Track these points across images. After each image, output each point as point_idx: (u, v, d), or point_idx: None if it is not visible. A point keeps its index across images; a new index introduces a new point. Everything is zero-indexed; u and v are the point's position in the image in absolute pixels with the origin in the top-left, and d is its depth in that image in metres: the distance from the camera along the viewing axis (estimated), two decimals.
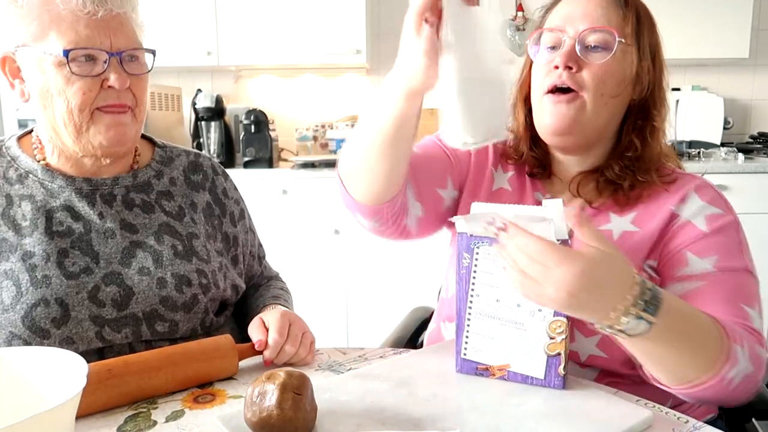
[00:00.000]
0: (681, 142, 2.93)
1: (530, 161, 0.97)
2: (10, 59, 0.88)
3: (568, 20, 0.87)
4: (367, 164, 0.84)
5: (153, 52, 0.93)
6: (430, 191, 0.96)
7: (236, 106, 3.07)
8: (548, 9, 0.93)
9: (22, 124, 2.82)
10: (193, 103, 2.94)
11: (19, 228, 0.88)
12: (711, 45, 2.80)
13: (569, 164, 0.95)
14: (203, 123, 2.93)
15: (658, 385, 0.76)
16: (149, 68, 0.93)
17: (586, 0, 0.88)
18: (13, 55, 0.88)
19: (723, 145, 2.91)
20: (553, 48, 0.89)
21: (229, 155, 2.96)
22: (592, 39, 0.86)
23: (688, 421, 0.72)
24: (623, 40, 0.86)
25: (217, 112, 2.92)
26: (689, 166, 2.62)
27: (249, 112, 2.84)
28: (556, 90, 0.86)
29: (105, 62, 0.86)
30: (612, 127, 0.91)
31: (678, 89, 3.05)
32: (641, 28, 0.88)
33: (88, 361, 0.86)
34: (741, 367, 0.72)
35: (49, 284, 0.85)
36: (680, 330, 0.70)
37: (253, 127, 2.80)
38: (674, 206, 0.85)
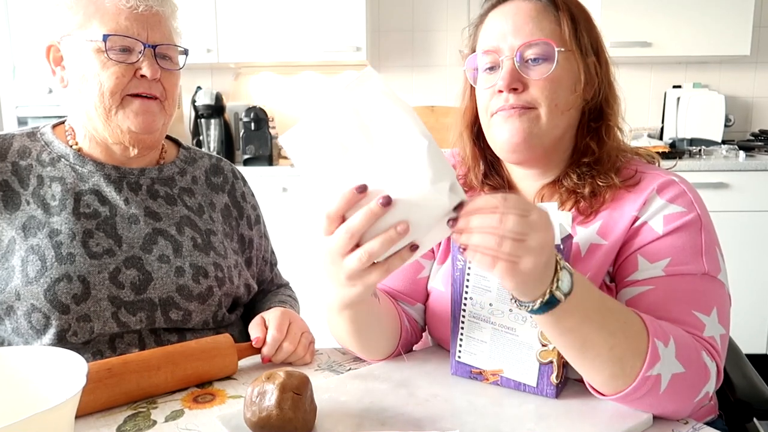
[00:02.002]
0: (682, 140, 2.92)
1: (487, 190, 0.92)
2: (54, 48, 0.94)
3: (501, 38, 0.82)
4: (358, 347, 0.86)
5: (186, 52, 0.99)
6: (417, 286, 0.94)
7: (236, 104, 3.07)
8: (477, 26, 0.88)
9: (21, 121, 2.81)
10: (193, 101, 2.94)
11: (48, 207, 0.91)
12: (712, 42, 2.79)
13: (531, 179, 0.90)
14: (203, 120, 2.92)
15: (597, 395, 0.72)
16: (181, 66, 0.98)
17: (514, 12, 0.82)
18: (58, 44, 0.94)
19: (724, 142, 2.90)
20: (492, 69, 0.83)
21: (228, 153, 2.96)
22: (530, 53, 0.81)
23: (687, 422, 0.72)
24: (562, 49, 0.81)
25: (216, 109, 2.92)
26: (690, 164, 2.62)
27: (249, 110, 2.84)
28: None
29: (140, 52, 0.91)
30: (569, 135, 0.87)
31: (679, 87, 3.04)
32: (578, 28, 0.83)
33: (98, 351, 0.88)
34: (666, 364, 0.67)
35: (73, 261, 0.88)
36: (598, 302, 0.67)
37: (252, 124, 2.80)
38: (637, 211, 0.80)
